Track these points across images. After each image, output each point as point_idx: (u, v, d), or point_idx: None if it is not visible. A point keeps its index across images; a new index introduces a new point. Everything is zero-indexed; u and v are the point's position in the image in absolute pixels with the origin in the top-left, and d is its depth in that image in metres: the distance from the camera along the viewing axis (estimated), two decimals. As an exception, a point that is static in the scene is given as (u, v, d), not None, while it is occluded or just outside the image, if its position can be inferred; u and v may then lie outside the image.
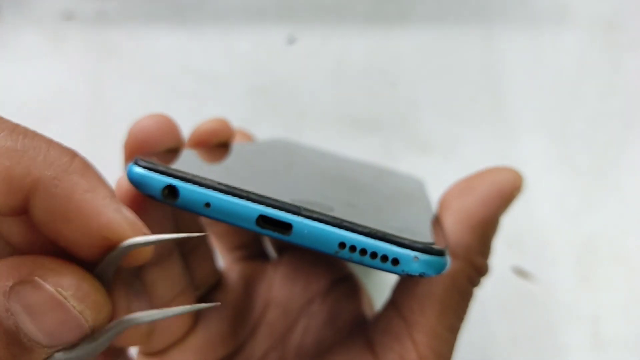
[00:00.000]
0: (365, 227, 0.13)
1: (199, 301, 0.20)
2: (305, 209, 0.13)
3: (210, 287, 0.21)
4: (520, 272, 0.32)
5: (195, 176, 0.14)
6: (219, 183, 0.13)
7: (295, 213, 0.13)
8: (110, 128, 0.34)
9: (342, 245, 0.13)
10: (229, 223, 0.14)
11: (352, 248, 0.13)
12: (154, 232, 0.17)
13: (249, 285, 0.22)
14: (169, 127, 0.17)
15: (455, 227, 0.17)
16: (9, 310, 0.11)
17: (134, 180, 0.14)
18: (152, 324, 0.17)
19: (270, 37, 0.38)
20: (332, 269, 0.23)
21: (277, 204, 0.13)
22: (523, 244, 0.32)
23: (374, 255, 0.13)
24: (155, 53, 0.37)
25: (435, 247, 0.13)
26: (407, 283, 0.18)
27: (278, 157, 0.23)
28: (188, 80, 0.36)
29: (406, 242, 0.13)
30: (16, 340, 0.12)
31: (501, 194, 0.17)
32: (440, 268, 0.13)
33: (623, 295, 0.31)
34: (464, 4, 0.40)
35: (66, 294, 0.12)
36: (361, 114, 0.36)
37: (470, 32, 0.39)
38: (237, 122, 0.23)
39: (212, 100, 0.36)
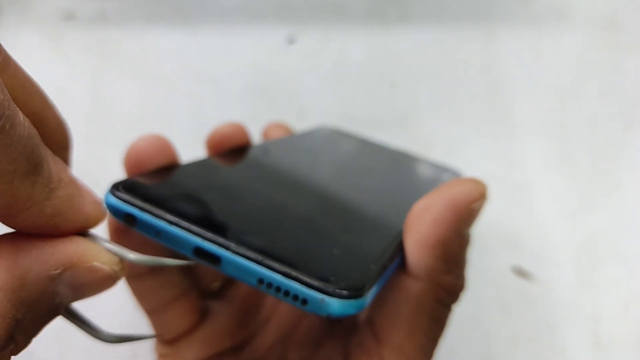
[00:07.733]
0: (282, 267, 0.14)
1: (212, 296, 0.22)
2: (234, 245, 0.15)
3: (224, 282, 0.22)
4: (520, 272, 0.32)
5: (152, 207, 0.15)
6: (169, 214, 0.15)
7: (224, 247, 0.15)
8: (110, 128, 0.34)
9: (260, 281, 0.14)
10: (174, 250, 0.15)
11: (269, 285, 0.14)
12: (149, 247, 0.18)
13: None
14: (162, 147, 0.18)
15: (414, 250, 0.17)
16: (54, 291, 0.12)
17: (107, 207, 0.16)
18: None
19: (270, 37, 0.38)
20: None
21: (211, 238, 0.15)
22: (523, 243, 0.32)
23: (286, 293, 0.14)
24: (155, 53, 0.37)
25: (345, 291, 0.14)
26: (379, 301, 0.18)
27: (287, 161, 0.23)
28: (188, 80, 0.36)
29: (315, 284, 0.14)
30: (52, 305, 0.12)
31: (456, 210, 0.17)
32: (347, 311, 0.14)
33: (623, 295, 0.31)
34: (464, 4, 0.40)
35: (117, 269, 0.13)
36: (361, 114, 0.36)
37: (470, 32, 0.39)
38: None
39: (212, 100, 0.36)
